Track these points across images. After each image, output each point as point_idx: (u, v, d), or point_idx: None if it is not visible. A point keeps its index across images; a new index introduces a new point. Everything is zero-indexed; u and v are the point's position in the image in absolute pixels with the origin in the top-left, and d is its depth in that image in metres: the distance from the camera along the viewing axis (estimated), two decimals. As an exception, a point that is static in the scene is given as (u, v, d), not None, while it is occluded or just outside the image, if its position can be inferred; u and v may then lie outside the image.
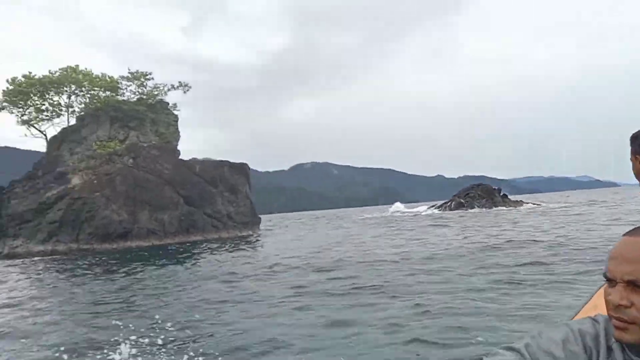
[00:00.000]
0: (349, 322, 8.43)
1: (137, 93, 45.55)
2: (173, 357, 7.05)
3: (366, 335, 7.60)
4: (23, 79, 40.84)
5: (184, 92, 47.52)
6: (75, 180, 40.23)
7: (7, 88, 40.57)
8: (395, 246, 20.72)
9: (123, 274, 18.93)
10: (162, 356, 7.00)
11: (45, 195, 40.67)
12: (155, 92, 46.08)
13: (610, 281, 1.07)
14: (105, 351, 7.17)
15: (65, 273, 22.15)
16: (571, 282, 10.22)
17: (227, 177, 44.23)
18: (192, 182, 41.10)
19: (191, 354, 6.99)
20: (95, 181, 39.73)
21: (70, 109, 42.72)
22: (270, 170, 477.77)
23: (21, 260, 33.74)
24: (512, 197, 71.36)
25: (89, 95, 43.00)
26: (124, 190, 38.79)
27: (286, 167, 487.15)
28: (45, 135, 42.91)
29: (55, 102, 42.28)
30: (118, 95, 44.28)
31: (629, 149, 2.14)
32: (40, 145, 43.74)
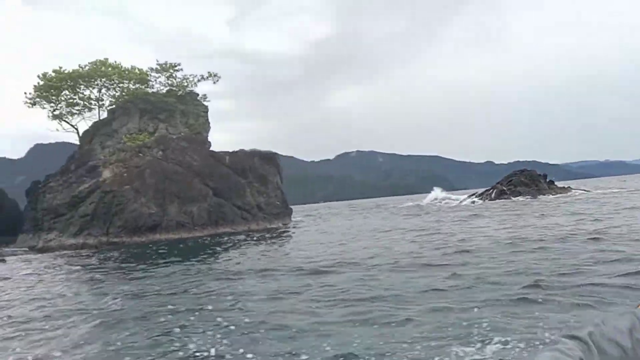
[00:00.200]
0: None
1: (166, 85, 45.12)
2: None
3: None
4: (54, 74, 41.09)
5: (214, 82, 46.85)
6: (106, 174, 40.22)
7: (38, 83, 40.94)
8: (412, 242, 19.06)
9: (140, 271, 18.05)
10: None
11: (77, 189, 40.90)
12: (185, 84, 45.56)
13: None
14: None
15: (90, 267, 21.62)
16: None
17: (257, 167, 43.30)
18: (221, 174, 40.39)
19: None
20: (125, 174, 39.59)
21: (100, 102, 42.70)
22: (316, 159, 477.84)
23: (53, 253, 33.87)
24: (562, 183, 67.61)
25: (118, 88, 42.86)
26: (153, 182, 38.46)
27: (332, 156, 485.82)
28: (76, 129, 43.19)
29: (85, 96, 42.38)
30: (147, 87, 43.96)
31: None
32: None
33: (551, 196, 41.09)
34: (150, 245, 31.04)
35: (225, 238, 31.46)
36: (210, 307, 9.55)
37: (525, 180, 43.37)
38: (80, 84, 41.92)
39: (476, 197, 45.37)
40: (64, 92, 41.52)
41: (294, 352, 6.69)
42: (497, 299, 8.63)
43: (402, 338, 6.82)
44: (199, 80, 46.11)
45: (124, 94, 42.44)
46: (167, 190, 38.42)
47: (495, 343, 6.18)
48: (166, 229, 37.15)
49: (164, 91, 44.54)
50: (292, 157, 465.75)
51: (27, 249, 37.51)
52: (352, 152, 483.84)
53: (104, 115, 44.31)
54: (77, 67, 42.28)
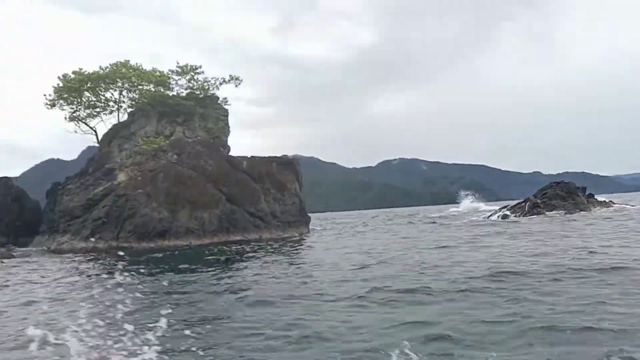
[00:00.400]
0: None
1: (188, 87, 44.36)
2: None
3: None
4: (73, 75, 40.95)
5: (236, 85, 45.79)
6: (121, 177, 39.64)
7: (58, 85, 40.89)
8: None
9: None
10: None
11: (92, 192, 40.52)
12: (207, 87, 44.69)
13: None
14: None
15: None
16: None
17: (275, 173, 41.83)
18: (236, 179, 39.13)
19: None
20: (139, 178, 38.88)
21: (119, 105, 42.32)
22: (358, 166, 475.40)
23: (60, 256, 33.27)
24: (612, 196, 63.18)
25: (138, 91, 42.36)
26: (165, 187, 37.56)
27: (373, 164, 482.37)
28: (95, 131, 42.91)
29: (104, 98, 42.07)
30: (167, 90, 43.30)
31: None
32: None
33: (588, 211, 37.77)
34: (155, 255, 29.89)
35: (225, 248, 29.99)
36: None
37: (562, 193, 40.12)
38: (100, 86, 41.63)
39: (508, 209, 42.38)
40: (83, 94, 41.30)
41: None
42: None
43: None
44: (220, 84, 45.21)
45: (142, 96, 41.88)
46: (180, 195, 37.42)
47: None
48: (175, 235, 36.10)
49: (184, 94, 43.74)
50: (334, 163, 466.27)
51: (34, 250, 37.27)
52: (395, 159, 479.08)
53: (124, 117, 43.92)
54: (97, 69, 42.04)
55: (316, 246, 28.29)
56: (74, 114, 41.94)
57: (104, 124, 42.95)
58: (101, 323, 6.42)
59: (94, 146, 44.24)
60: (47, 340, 5.85)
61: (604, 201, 42.34)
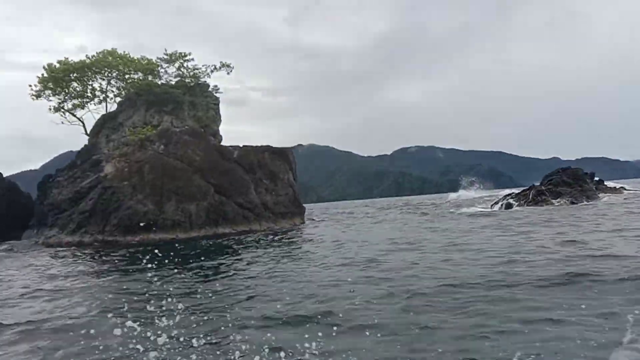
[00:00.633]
0: None
1: (177, 75, 42.91)
2: None
3: None
4: (58, 65, 39.73)
5: (228, 73, 44.14)
6: (108, 169, 38.42)
7: (43, 75, 39.71)
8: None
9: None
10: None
11: (80, 185, 39.48)
12: (197, 74, 43.17)
13: None
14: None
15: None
16: None
17: (267, 163, 40.30)
18: (225, 170, 37.67)
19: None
20: (126, 169, 37.61)
21: (103, 95, 41.07)
22: (373, 154, 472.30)
23: (43, 251, 32.23)
24: (625, 182, 60.35)
25: (125, 80, 41.03)
26: (151, 178, 36.24)
27: (389, 152, 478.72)
28: (82, 122, 41.75)
29: (91, 88, 40.84)
30: (156, 78, 41.90)
31: None
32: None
33: (595, 199, 35.54)
34: (134, 252, 28.68)
35: (203, 242, 28.65)
36: None
37: (568, 179, 37.88)
38: (87, 75, 40.37)
39: (512, 197, 40.29)
40: (69, 83, 40.09)
41: None
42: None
43: None
44: (212, 71, 43.64)
45: (129, 85, 40.55)
46: (166, 187, 36.09)
47: None
48: (162, 228, 34.81)
49: (173, 82, 42.31)
50: (349, 152, 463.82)
51: (19, 244, 36.33)
52: (411, 147, 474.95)
53: (114, 108, 42.71)
54: (84, 58, 40.72)
55: (305, 238, 26.75)
56: (61, 105, 40.72)
57: (91, 114, 41.76)
58: None
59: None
60: None
61: (615, 187, 40.04)
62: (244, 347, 6.78)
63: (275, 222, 36.95)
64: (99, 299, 11.85)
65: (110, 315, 8.84)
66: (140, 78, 41.30)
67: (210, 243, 28.63)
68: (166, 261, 16.93)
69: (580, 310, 7.61)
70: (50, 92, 40.49)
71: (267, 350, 6.43)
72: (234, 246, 25.36)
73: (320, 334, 6.94)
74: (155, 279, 13.99)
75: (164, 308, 8.75)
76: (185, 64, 42.18)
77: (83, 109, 42.30)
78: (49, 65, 39.68)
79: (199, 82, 42.95)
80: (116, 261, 21.99)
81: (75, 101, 40.84)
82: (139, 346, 6.24)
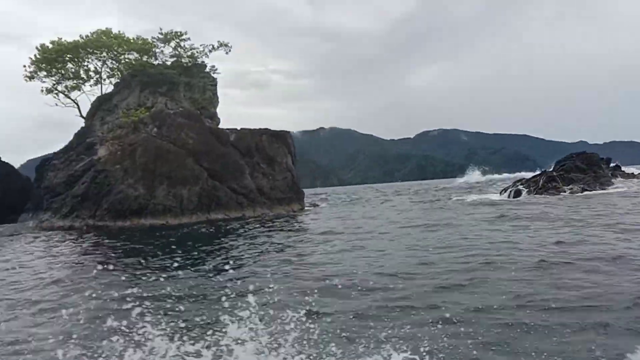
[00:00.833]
0: None
1: (174, 56, 41.56)
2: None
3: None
4: (51, 45, 38.70)
5: (226, 52, 42.68)
6: (102, 152, 37.51)
7: (36, 56, 38.75)
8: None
9: None
10: None
11: (74, 168, 38.71)
12: (196, 54, 41.78)
13: None
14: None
15: None
16: None
17: (265, 147, 38.87)
18: (219, 153, 36.38)
19: None
20: (119, 152, 36.63)
21: (98, 76, 40.02)
22: (396, 138, 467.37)
23: (29, 235, 31.52)
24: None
25: (119, 60, 39.86)
26: (143, 162, 35.18)
27: (412, 135, 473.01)
28: (77, 103, 40.81)
29: (85, 69, 39.79)
30: (150, 58, 40.62)
31: None
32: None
33: (609, 186, 33.19)
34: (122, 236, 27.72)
35: (194, 228, 27.47)
36: None
37: (582, 165, 35.56)
38: (80, 56, 39.31)
39: (522, 184, 38.16)
40: (63, 64, 39.09)
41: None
42: None
43: None
44: (210, 51, 42.18)
45: (124, 66, 39.38)
46: (158, 171, 35.00)
47: None
48: (152, 213, 33.82)
49: (170, 63, 41.00)
50: (370, 135, 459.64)
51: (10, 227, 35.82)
52: (434, 130, 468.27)
53: (110, 89, 41.67)
54: (78, 38, 39.63)
55: (294, 227, 25.30)
56: (55, 86, 39.79)
57: (86, 96, 40.79)
58: None
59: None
60: None
61: (632, 174, 37.51)
62: None
63: (270, 208, 35.61)
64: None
65: None
66: (136, 58, 40.07)
67: (186, 230, 27.36)
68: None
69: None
70: (45, 73, 39.55)
71: None
72: (218, 232, 24.13)
73: None
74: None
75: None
76: (181, 44, 40.81)
77: (80, 90, 41.33)
78: (42, 45, 38.74)
79: (197, 62, 41.55)
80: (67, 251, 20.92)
81: (70, 82, 39.87)
82: None
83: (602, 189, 32.68)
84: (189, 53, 41.04)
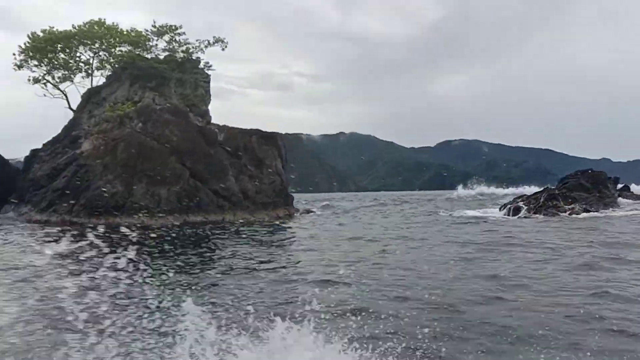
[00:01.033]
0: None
1: (168, 50, 40.35)
2: None
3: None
4: (42, 34, 37.76)
5: (222, 49, 41.33)
6: (86, 145, 36.38)
7: (26, 44, 37.83)
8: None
9: None
10: None
11: (57, 161, 37.69)
12: (190, 50, 40.51)
13: None
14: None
15: None
16: None
17: (254, 148, 37.36)
18: (204, 153, 34.95)
19: None
20: (102, 147, 35.45)
21: (87, 66, 38.93)
22: (416, 146, 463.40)
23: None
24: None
25: (112, 52, 38.75)
26: (124, 158, 33.93)
27: (432, 144, 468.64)
28: (65, 95, 39.81)
29: (75, 60, 38.75)
30: (142, 51, 39.45)
31: None
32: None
33: (613, 208, 30.86)
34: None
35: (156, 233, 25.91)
36: None
37: (586, 183, 33.24)
38: (72, 46, 38.29)
39: (523, 200, 35.96)
40: (54, 54, 38.10)
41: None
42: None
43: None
44: (206, 46, 40.88)
45: (114, 57, 38.27)
46: (138, 168, 33.71)
47: None
48: (128, 212, 32.46)
49: (163, 57, 39.78)
50: (391, 142, 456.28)
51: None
52: (455, 140, 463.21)
53: (103, 82, 40.62)
54: (70, 28, 38.66)
55: (261, 239, 23.62)
56: (45, 76, 38.81)
57: (75, 88, 39.76)
58: None
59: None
60: None
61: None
62: None
63: (253, 214, 33.97)
64: None
65: None
66: (128, 51, 38.93)
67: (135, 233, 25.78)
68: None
69: None
70: (35, 62, 38.62)
71: None
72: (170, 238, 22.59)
73: None
74: None
75: None
76: (175, 38, 39.55)
77: (72, 82, 40.33)
78: (33, 34, 37.85)
79: (191, 57, 40.26)
80: None
81: (60, 73, 38.86)
82: None
83: (606, 211, 30.36)
84: (183, 48, 39.76)
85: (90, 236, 5.03)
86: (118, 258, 4.94)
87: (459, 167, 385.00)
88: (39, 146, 41.53)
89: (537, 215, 31.49)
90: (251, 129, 38.02)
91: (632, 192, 35.16)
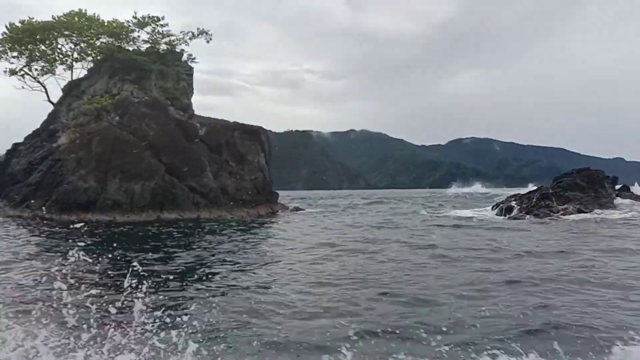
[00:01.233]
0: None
1: (152, 42, 39.08)
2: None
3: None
4: (20, 25, 36.65)
5: (207, 41, 39.97)
6: (63, 139, 35.24)
7: (4, 34, 36.74)
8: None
9: None
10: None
11: (34, 155, 36.65)
12: (174, 41, 39.23)
13: None
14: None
15: None
16: None
17: (236, 143, 36.00)
18: (182, 148, 33.63)
19: None
20: (77, 141, 34.29)
21: (68, 59, 37.77)
22: (427, 144, 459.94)
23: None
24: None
25: (92, 43, 37.56)
26: (98, 152, 32.71)
27: (443, 142, 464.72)
28: (44, 87, 38.71)
29: (54, 51, 37.59)
30: (122, 43, 38.22)
31: None
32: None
33: (608, 209, 29.00)
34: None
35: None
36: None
37: (582, 182, 31.40)
38: (51, 37, 37.16)
39: (516, 200, 34.25)
40: (33, 46, 36.98)
41: None
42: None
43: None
44: (190, 38, 39.56)
45: (91, 49, 37.07)
46: (113, 163, 32.47)
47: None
48: (101, 208, 31.27)
49: (144, 49, 38.55)
50: (401, 139, 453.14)
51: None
52: (467, 138, 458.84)
53: (85, 74, 39.49)
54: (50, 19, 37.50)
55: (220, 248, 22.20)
56: (23, 68, 37.70)
57: (55, 80, 38.66)
58: None
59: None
60: None
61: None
62: None
63: (231, 211, 32.58)
64: None
65: None
66: (108, 42, 37.71)
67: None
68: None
69: None
70: (16, 53, 37.53)
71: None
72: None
73: None
74: None
75: None
76: (158, 30, 38.26)
77: (53, 74, 39.21)
78: (11, 24, 36.76)
79: (174, 50, 38.98)
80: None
81: (39, 65, 37.75)
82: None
83: (601, 212, 28.56)
84: (165, 39, 38.49)
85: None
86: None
87: (470, 165, 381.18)
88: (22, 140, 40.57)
89: (528, 216, 29.81)
90: (234, 124, 36.75)
91: (632, 192, 33.24)
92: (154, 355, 5.12)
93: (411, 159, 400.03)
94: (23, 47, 37.17)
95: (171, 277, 11.57)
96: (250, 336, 6.97)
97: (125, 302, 5.41)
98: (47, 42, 37.44)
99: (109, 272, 11.41)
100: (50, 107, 38.73)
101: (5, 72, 36.89)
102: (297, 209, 42.91)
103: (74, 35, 37.11)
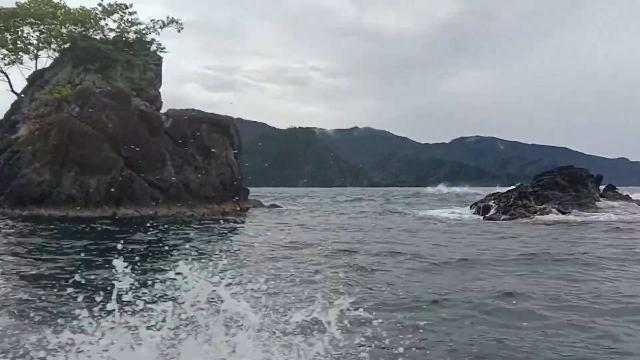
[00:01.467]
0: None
1: (120, 30, 37.57)
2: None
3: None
4: (-20, 12, 35.19)
5: (178, 30, 38.43)
6: (22, 131, 33.83)
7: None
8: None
9: None
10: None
11: (-7, 147, 35.22)
12: (144, 30, 37.72)
13: None
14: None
15: None
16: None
17: (204, 136, 34.44)
18: (144, 140, 32.08)
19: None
20: (36, 132, 32.84)
21: (32, 47, 36.33)
22: (430, 142, 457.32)
23: None
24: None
25: (58, 31, 36.08)
26: (55, 144, 31.24)
27: (447, 140, 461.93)
28: (7, 76, 37.29)
29: (23, 39, 36.20)
30: (94, 31, 36.75)
31: None
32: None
33: (589, 210, 27.27)
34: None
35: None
36: None
37: (562, 181, 29.68)
38: (14, 25, 35.70)
39: (494, 199, 32.57)
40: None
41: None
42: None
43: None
44: (161, 27, 38.03)
45: (53, 37, 35.60)
46: (70, 156, 31.01)
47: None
48: (55, 203, 29.81)
49: (112, 38, 37.05)
50: (405, 137, 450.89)
51: None
52: (470, 137, 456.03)
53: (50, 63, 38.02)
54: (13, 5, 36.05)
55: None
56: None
57: (18, 69, 37.22)
58: None
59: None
60: None
61: (627, 196, 31.24)
62: None
63: (192, 208, 31.03)
64: None
65: None
66: (75, 31, 36.21)
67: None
68: None
69: None
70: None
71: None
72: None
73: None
74: None
75: None
76: (126, 17, 36.72)
77: (21, 63, 37.80)
78: (-29, 11, 35.33)
79: (145, 39, 37.46)
80: None
81: (1, 54, 36.30)
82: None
83: (580, 213, 26.83)
84: (134, 28, 36.96)
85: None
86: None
87: (473, 164, 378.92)
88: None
89: (504, 216, 28.16)
90: (201, 116, 35.22)
91: (618, 192, 31.43)
92: None
93: (415, 157, 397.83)
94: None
95: None
96: None
97: None
98: (12, 30, 35.97)
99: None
100: (14, 98, 37.18)
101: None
102: (274, 206, 41.41)
103: (39, 22, 35.59)
